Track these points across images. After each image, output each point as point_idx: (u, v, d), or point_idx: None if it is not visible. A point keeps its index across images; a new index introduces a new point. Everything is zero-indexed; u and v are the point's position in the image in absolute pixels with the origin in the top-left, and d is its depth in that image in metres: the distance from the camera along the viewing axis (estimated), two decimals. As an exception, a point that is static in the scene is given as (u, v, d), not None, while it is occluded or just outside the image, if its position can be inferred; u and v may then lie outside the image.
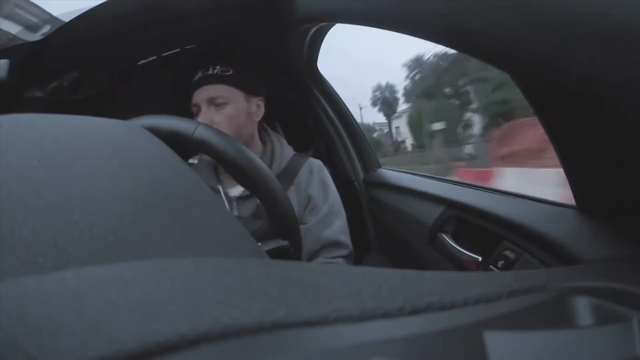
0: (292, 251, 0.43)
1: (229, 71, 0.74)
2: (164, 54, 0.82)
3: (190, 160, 0.84)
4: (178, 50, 0.82)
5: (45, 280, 0.11)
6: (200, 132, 0.41)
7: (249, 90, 0.77)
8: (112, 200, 0.17)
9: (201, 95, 0.73)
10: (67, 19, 0.62)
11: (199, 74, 0.74)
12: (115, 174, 0.19)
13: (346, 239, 0.78)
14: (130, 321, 0.10)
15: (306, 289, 0.13)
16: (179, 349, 0.09)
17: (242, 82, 0.75)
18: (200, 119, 0.71)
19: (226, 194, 0.75)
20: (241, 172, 0.42)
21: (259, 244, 0.42)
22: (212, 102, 0.72)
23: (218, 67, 0.74)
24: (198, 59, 0.77)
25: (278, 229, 0.45)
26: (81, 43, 0.67)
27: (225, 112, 0.73)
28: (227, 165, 0.42)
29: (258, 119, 0.79)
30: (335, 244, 0.76)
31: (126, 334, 0.09)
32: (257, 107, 0.79)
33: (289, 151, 0.82)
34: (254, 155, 0.43)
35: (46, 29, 0.65)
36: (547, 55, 0.21)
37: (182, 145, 0.41)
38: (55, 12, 0.68)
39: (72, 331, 0.09)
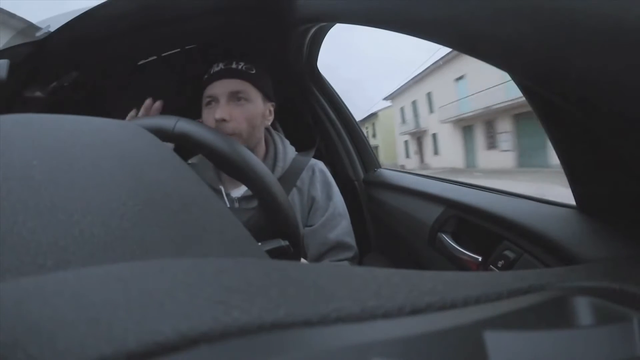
0: (292, 251, 0.43)
1: (252, 70, 0.73)
2: (164, 54, 0.82)
3: (190, 160, 0.84)
4: (178, 50, 0.82)
5: (45, 280, 0.11)
6: (181, 126, 0.41)
7: (267, 93, 0.76)
8: (112, 200, 0.17)
9: (222, 87, 0.70)
10: (66, 19, 0.62)
11: (220, 66, 0.72)
12: (115, 173, 0.19)
13: (351, 240, 0.78)
14: (130, 321, 0.10)
15: (306, 289, 0.13)
16: (179, 348, 0.09)
17: (263, 84, 0.75)
18: (218, 112, 0.68)
19: (228, 194, 0.74)
20: (227, 162, 0.41)
21: (259, 244, 0.42)
22: (233, 96, 0.70)
23: (242, 64, 0.72)
24: (213, 55, 0.76)
25: (270, 216, 0.44)
26: (81, 43, 0.67)
27: (246, 109, 0.71)
28: (212, 155, 0.41)
29: (268, 124, 0.79)
30: (341, 246, 0.75)
31: (126, 334, 0.09)
32: (269, 113, 0.78)
33: (291, 152, 0.82)
34: (240, 144, 0.42)
35: (46, 29, 0.65)
36: (547, 55, 0.21)
37: (183, 146, 0.41)
38: (57, 12, 0.68)
39: (72, 331, 0.09)
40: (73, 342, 0.09)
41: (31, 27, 0.68)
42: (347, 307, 0.12)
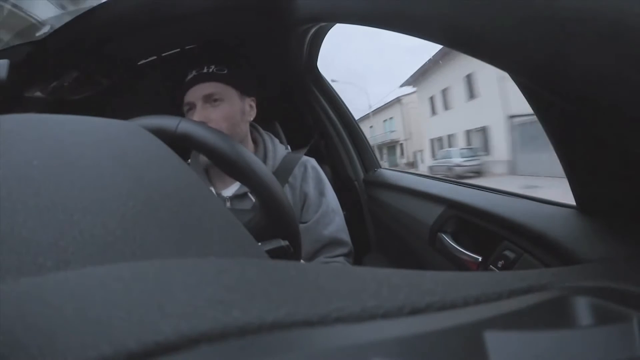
0: (291, 251, 0.43)
1: (224, 70, 0.75)
2: (164, 54, 0.82)
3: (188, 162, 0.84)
4: (178, 50, 0.82)
5: (45, 280, 0.11)
6: (184, 126, 0.41)
7: (243, 90, 0.77)
8: (112, 200, 0.17)
9: (196, 93, 0.73)
10: (66, 19, 0.62)
11: (193, 73, 0.74)
12: (115, 173, 0.19)
13: (346, 236, 0.78)
14: (130, 321, 0.10)
15: (306, 289, 0.13)
16: (179, 348, 0.09)
17: (237, 82, 0.76)
18: (195, 116, 0.71)
19: (219, 194, 0.75)
20: (230, 163, 0.41)
21: (259, 244, 0.42)
22: (208, 99, 0.73)
23: (213, 67, 0.74)
24: (193, 59, 0.77)
25: (273, 218, 0.44)
26: (81, 43, 0.67)
27: (221, 109, 0.73)
28: (214, 156, 0.41)
29: (251, 119, 0.80)
30: (336, 243, 0.76)
31: (126, 334, 0.09)
32: (250, 108, 0.80)
33: (282, 150, 0.82)
34: (242, 146, 0.42)
35: (46, 29, 0.65)
36: (547, 54, 0.21)
37: (182, 146, 0.41)
38: (58, 12, 0.68)
39: (72, 331, 0.09)
40: (73, 342, 0.09)
41: (31, 27, 0.68)
42: (347, 307, 0.12)
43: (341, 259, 0.75)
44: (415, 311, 0.13)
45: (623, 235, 0.32)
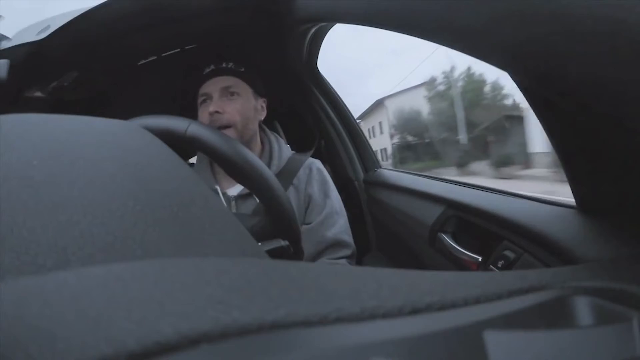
0: (292, 251, 0.43)
1: (241, 68, 0.77)
2: (164, 54, 0.82)
3: (190, 161, 0.84)
4: (178, 50, 0.82)
5: (45, 280, 0.11)
6: (193, 129, 0.41)
7: (257, 89, 0.80)
8: (112, 200, 0.17)
9: (214, 85, 0.75)
10: (66, 19, 0.62)
11: (211, 67, 0.77)
12: (115, 173, 0.19)
13: (349, 238, 0.78)
14: (131, 321, 0.10)
15: (306, 289, 0.13)
16: (179, 348, 0.09)
17: (253, 80, 0.79)
18: (212, 106, 0.73)
19: (224, 194, 0.75)
20: (236, 168, 0.41)
21: (259, 244, 0.42)
22: (225, 91, 0.75)
23: (231, 63, 0.77)
24: (208, 57, 0.78)
25: (276, 223, 0.44)
26: (81, 43, 0.67)
27: (237, 102, 0.75)
28: (221, 160, 0.41)
29: (261, 119, 0.82)
30: (339, 244, 0.76)
31: (126, 334, 0.09)
32: (262, 108, 0.82)
33: (287, 151, 0.83)
34: (248, 150, 0.43)
35: (46, 29, 0.65)
36: (547, 55, 0.21)
37: (182, 146, 0.41)
38: (55, 12, 0.68)
39: (72, 331, 0.09)
40: (73, 342, 0.09)
41: (31, 27, 0.68)
42: (347, 307, 0.12)
43: (344, 261, 0.75)
44: (415, 311, 0.13)
45: (623, 235, 0.32)
